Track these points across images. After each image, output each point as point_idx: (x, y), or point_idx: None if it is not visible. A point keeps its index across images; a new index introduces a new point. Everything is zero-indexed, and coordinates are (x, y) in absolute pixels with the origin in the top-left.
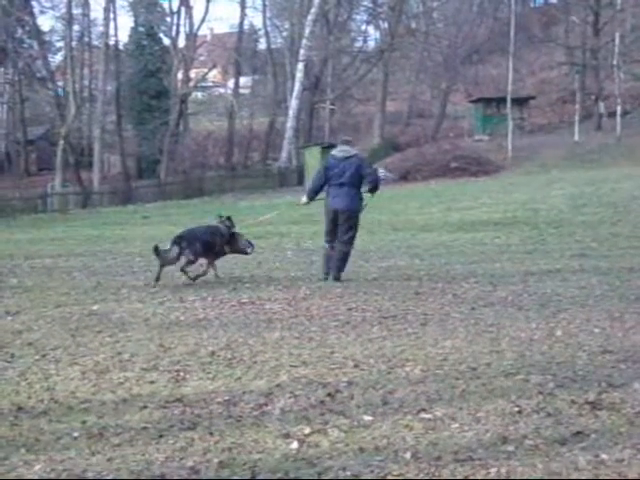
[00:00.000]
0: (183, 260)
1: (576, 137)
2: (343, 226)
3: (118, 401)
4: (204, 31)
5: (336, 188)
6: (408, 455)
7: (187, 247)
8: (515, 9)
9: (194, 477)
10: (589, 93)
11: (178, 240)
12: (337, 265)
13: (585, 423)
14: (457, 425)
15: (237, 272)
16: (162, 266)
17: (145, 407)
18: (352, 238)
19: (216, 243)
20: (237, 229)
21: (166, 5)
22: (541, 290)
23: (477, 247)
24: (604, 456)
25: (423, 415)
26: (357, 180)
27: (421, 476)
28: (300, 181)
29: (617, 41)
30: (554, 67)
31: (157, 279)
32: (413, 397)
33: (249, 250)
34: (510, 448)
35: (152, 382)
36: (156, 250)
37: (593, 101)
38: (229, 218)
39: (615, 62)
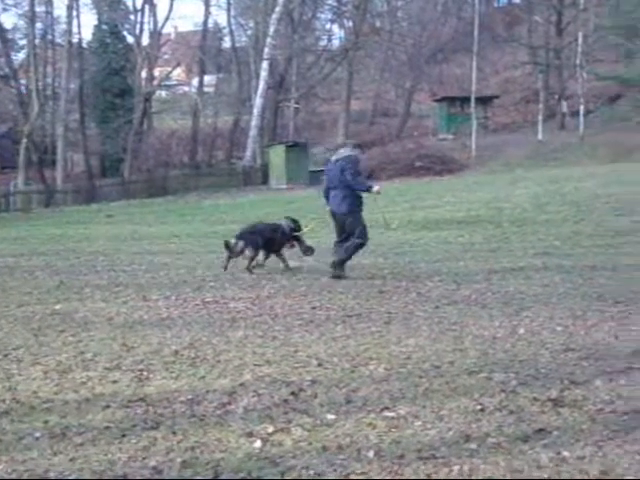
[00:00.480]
0: (247, 253)
1: (539, 136)
2: (344, 228)
3: (81, 401)
4: (168, 29)
5: (330, 191)
6: (371, 453)
7: (249, 242)
8: (479, 9)
9: (157, 477)
10: (552, 92)
11: (241, 235)
12: (341, 252)
13: (547, 420)
14: (420, 423)
15: (200, 271)
16: (229, 258)
17: (108, 407)
18: (360, 235)
19: (276, 240)
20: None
21: (130, 3)
22: (504, 288)
23: (441, 246)
24: (566, 453)
25: (386, 413)
26: (344, 182)
27: (384, 474)
28: (264, 180)
29: (580, 41)
30: (518, 67)
31: (225, 268)
32: (376, 395)
33: (308, 253)
34: (473, 446)
35: (115, 381)
36: (227, 245)
37: (556, 100)
38: (295, 221)
39: (578, 62)
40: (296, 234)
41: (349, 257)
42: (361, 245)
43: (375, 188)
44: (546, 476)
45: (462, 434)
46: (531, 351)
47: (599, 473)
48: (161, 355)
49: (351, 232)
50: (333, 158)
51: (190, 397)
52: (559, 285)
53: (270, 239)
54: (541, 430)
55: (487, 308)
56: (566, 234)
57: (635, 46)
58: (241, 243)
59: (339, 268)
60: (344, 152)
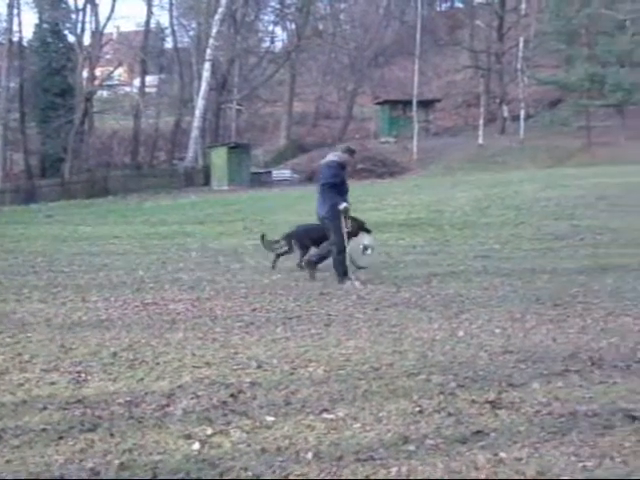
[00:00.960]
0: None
1: (480, 140)
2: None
3: (18, 402)
4: (110, 29)
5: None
6: (310, 455)
7: (296, 243)
8: (421, 12)
9: (94, 478)
10: (493, 97)
11: (288, 237)
12: (316, 251)
13: (485, 422)
14: (359, 425)
15: (141, 272)
16: (278, 256)
17: (45, 408)
18: (334, 244)
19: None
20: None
21: (71, 2)
22: (444, 291)
23: (382, 248)
24: (503, 454)
25: (325, 415)
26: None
27: (322, 476)
28: (206, 181)
29: (521, 46)
30: (459, 70)
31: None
32: (316, 397)
33: (367, 252)
34: (411, 447)
35: (52, 383)
36: (262, 238)
37: (497, 104)
38: (355, 219)
39: (519, 66)
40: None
41: (321, 258)
42: (333, 252)
43: (341, 206)
44: (483, 477)
45: (400, 436)
46: (470, 353)
47: (535, 474)
48: (99, 357)
49: (328, 236)
50: (322, 161)
51: (128, 399)
52: (498, 288)
53: (320, 238)
54: (479, 432)
55: (427, 311)
56: (506, 237)
57: (575, 51)
58: (285, 244)
59: (309, 266)
60: (331, 156)
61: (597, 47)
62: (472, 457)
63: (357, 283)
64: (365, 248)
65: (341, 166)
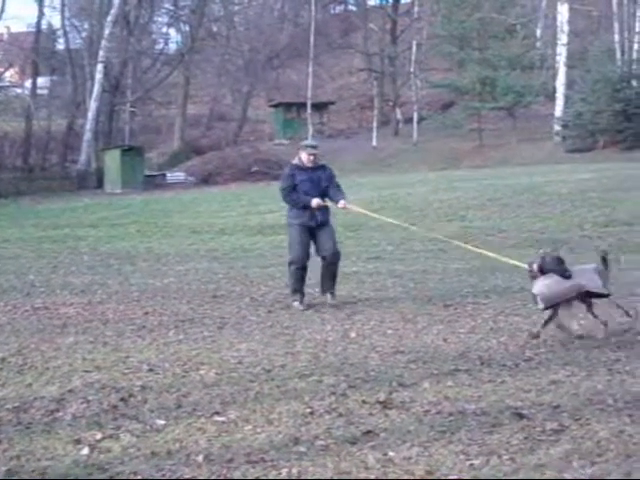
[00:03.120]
0: None
1: (374, 142)
2: None
3: None
4: (0, 29)
5: None
6: (200, 458)
7: None
8: (315, 15)
9: None
10: (387, 99)
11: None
12: None
13: (375, 422)
14: (250, 427)
15: (31, 277)
16: None
17: None
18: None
19: None
20: None
21: None
22: (337, 292)
23: (276, 250)
24: (392, 454)
25: (217, 418)
26: None
27: (213, 477)
28: (100, 184)
29: (414, 49)
30: (353, 73)
31: None
32: (207, 400)
33: None
34: (302, 449)
35: None
36: None
37: (391, 107)
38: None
39: (412, 69)
40: None
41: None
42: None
43: (313, 202)
44: (373, 477)
45: (291, 437)
46: (362, 354)
47: (425, 473)
48: None
49: None
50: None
51: (16, 405)
52: (390, 289)
53: None
54: (369, 432)
55: (320, 312)
56: (398, 239)
57: (467, 55)
58: None
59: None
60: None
61: (488, 51)
62: (362, 457)
63: (296, 304)
64: None
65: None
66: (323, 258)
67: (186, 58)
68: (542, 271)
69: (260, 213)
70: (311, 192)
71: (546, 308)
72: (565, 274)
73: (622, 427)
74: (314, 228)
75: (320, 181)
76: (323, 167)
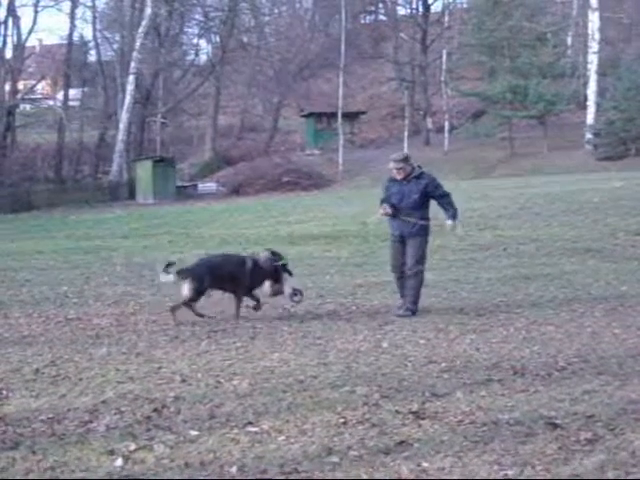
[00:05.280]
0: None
1: (405, 152)
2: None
3: None
4: (33, 42)
5: None
6: (234, 469)
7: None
8: (345, 25)
9: None
10: (418, 109)
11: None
12: None
13: (409, 433)
14: (283, 438)
15: (64, 288)
16: None
17: None
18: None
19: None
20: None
21: None
22: (369, 302)
23: (307, 260)
24: (426, 464)
25: (250, 429)
26: None
27: None
28: (131, 195)
29: (444, 58)
30: (384, 83)
31: None
32: (240, 410)
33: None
34: (335, 459)
35: None
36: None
37: (421, 116)
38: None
39: (442, 78)
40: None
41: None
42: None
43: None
44: None
45: (324, 447)
46: (394, 364)
47: None
48: (21, 373)
49: None
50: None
51: (51, 416)
52: (423, 299)
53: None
54: (402, 442)
55: (352, 322)
56: (431, 248)
57: (497, 63)
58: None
59: None
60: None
61: (519, 59)
62: (396, 468)
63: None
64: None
65: None
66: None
67: (217, 69)
68: None
69: (290, 224)
70: (400, 205)
71: None
72: None
73: None
74: (405, 238)
75: (411, 193)
76: (418, 178)
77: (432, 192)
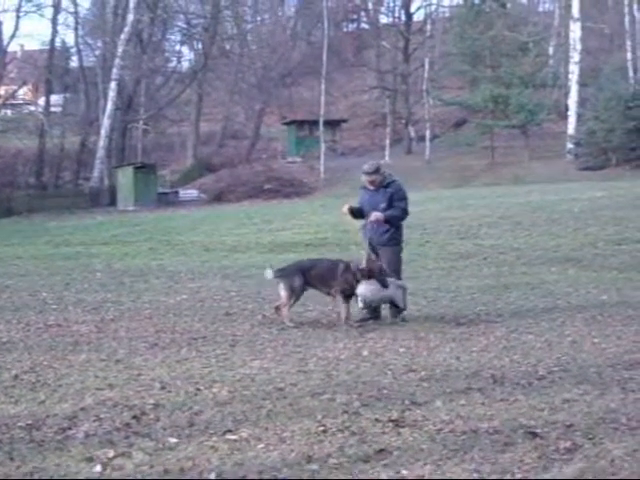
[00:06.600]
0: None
1: (387, 160)
2: None
3: None
4: (14, 47)
5: None
6: (212, 476)
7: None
8: (328, 33)
9: None
10: (400, 117)
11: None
12: None
13: (388, 441)
14: (263, 445)
15: (44, 294)
16: None
17: None
18: None
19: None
20: None
21: None
22: (350, 310)
23: None
24: (405, 472)
25: (229, 436)
26: None
27: None
28: (112, 201)
29: (426, 67)
30: (366, 91)
31: None
32: (219, 418)
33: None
34: (314, 467)
35: None
36: None
37: (403, 125)
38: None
39: (425, 87)
40: None
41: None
42: None
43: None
44: None
45: (304, 455)
46: (374, 372)
47: None
48: (0, 379)
49: None
50: None
51: (29, 422)
52: None
53: None
54: (382, 450)
55: (332, 330)
56: (411, 256)
57: (479, 73)
58: None
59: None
60: None
61: (501, 69)
62: (375, 475)
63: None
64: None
65: None
66: None
67: (199, 76)
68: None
69: (272, 231)
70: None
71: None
72: None
73: (636, 446)
74: (375, 247)
75: (379, 202)
76: (386, 187)
77: (394, 201)
